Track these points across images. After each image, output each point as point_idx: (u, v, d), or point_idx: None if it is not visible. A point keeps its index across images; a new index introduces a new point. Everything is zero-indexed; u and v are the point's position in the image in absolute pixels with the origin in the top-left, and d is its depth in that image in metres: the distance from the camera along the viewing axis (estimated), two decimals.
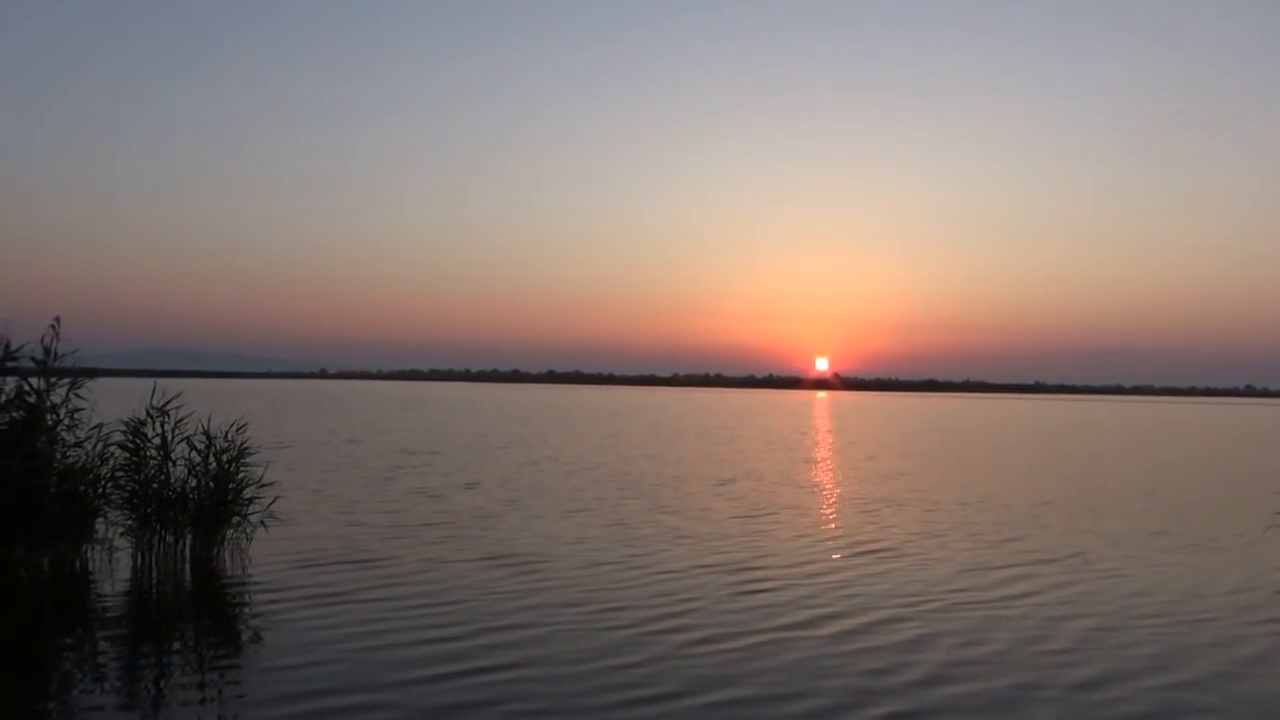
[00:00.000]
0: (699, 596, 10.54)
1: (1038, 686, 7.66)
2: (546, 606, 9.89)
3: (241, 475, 12.51)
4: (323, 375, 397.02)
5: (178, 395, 12.64)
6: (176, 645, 8.54)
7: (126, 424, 12.28)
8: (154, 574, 11.24)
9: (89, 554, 11.87)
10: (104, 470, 12.04)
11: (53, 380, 11.88)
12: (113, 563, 11.60)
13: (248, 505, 12.63)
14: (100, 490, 12.03)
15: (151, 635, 8.77)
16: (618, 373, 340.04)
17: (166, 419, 12.41)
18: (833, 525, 16.16)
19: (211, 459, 12.34)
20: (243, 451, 12.60)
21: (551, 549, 13.20)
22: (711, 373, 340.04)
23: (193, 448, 12.41)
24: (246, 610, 9.70)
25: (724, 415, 69.04)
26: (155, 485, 12.18)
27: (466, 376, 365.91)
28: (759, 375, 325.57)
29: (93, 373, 12.38)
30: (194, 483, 12.28)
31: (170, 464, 12.28)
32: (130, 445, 12.18)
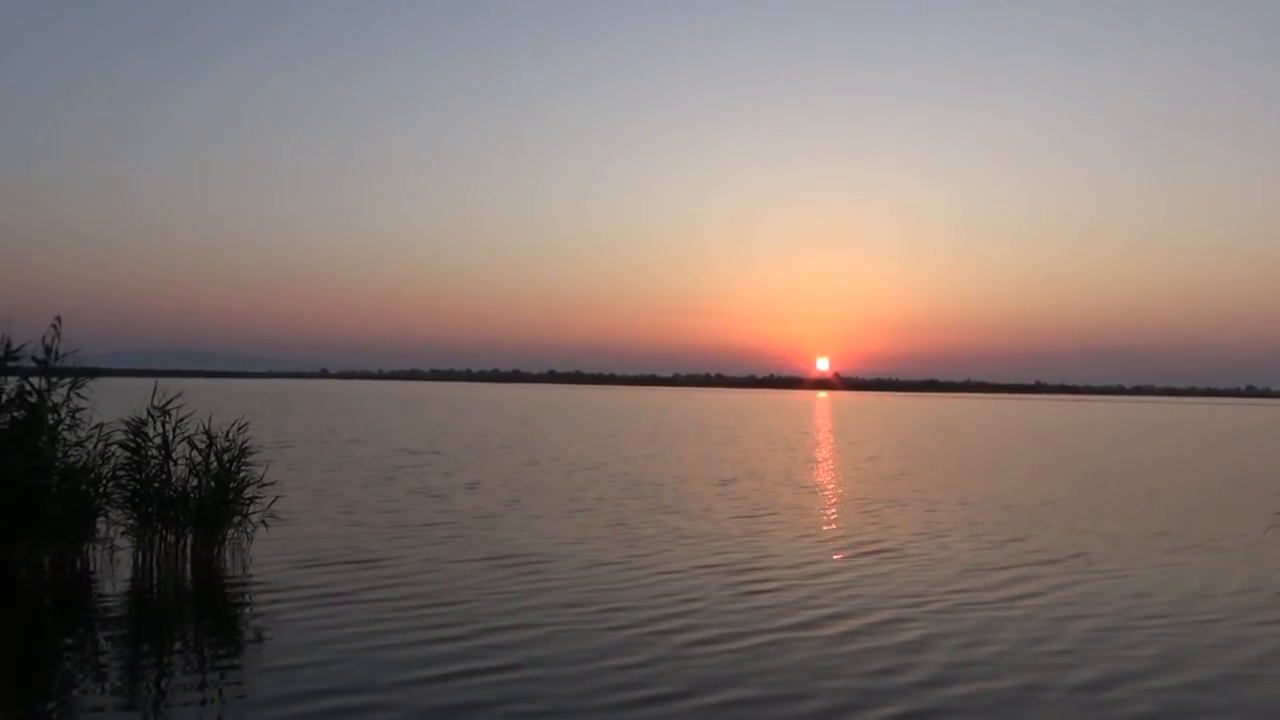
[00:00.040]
0: (701, 597, 10.53)
1: (1041, 688, 7.64)
2: (548, 607, 9.88)
3: (243, 475, 12.52)
4: (324, 375, 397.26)
5: (179, 395, 12.65)
6: (178, 645, 8.53)
7: (128, 423, 12.28)
8: (155, 573, 11.23)
9: (90, 553, 11.87)
10: (105, 470, 12.05)
11: (54, 380, 11.88)
12: (114, 562, 11.60)
13: (249, 505, 12.64)
14: (101, 490, 12.03)
15: (152, 635, 8.76)
16: (618, 373, 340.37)
17: (168, 418, 12.41)
18: (834, 526, 16.14)
19: (213, 458, 12.35)
20: (244, 451, 12.61)
21: (553, 549, 13.18)
22: (712, 373, 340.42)
23: (194, 447, 12.42)
24: (248, 610, 9.69)
25: (725, 415, 69.02)
26: (156, 485, 12.19)
27: (467, 376, 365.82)
28: (760, 375, 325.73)
29: (94, 372, 12.39)
30: (195, 482, 12.28)
31: (171, 463, 12.28)
32: (131, 445, 12.18)
